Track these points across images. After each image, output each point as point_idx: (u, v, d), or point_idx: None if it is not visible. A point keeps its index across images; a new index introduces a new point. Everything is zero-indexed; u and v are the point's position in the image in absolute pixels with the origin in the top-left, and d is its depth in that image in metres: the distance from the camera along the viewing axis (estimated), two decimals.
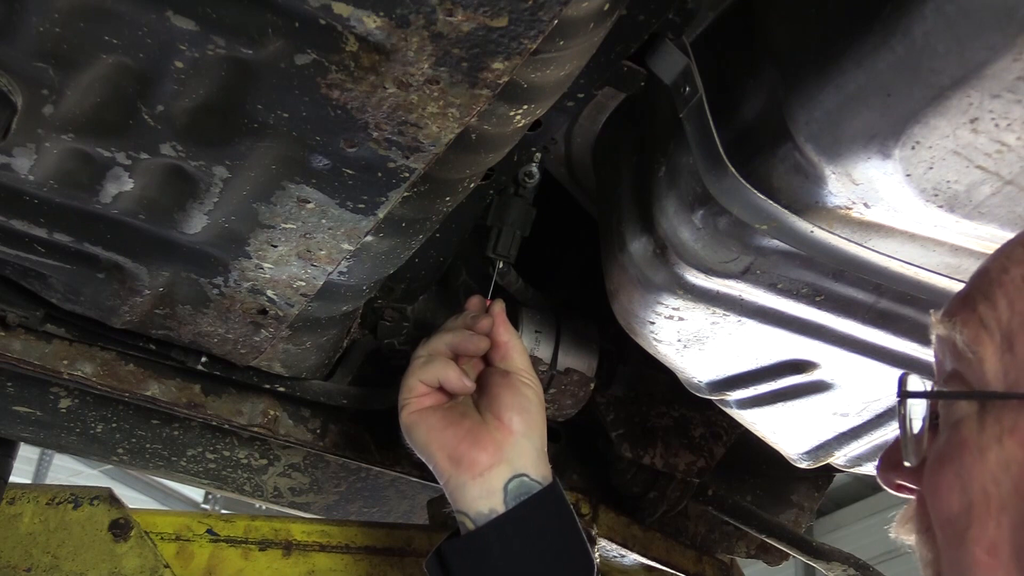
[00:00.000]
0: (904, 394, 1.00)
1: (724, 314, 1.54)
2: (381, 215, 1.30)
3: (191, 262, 1.42)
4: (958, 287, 1.34)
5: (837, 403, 1.72)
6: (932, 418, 0.98)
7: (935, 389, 1.00)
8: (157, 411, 1.86)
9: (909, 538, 1.01)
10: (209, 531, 1.73)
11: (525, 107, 1.23)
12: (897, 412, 1.00)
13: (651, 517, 2.18)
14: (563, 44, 1.14)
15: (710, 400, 1.82)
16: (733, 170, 1.27)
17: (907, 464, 0.99)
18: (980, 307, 0.93)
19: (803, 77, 1.25)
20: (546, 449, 1.58)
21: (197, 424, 1.94)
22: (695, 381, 1.76)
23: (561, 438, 2.23)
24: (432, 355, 1.60)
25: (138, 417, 1.89)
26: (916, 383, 1.01)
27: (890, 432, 1.76)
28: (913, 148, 1.16)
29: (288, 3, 1.00)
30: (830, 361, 1.60)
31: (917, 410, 0.99)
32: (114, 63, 1.08)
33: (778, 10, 1.35)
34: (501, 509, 1.49)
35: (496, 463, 1.51)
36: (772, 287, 1.46)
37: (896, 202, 1.24)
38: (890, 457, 1.04)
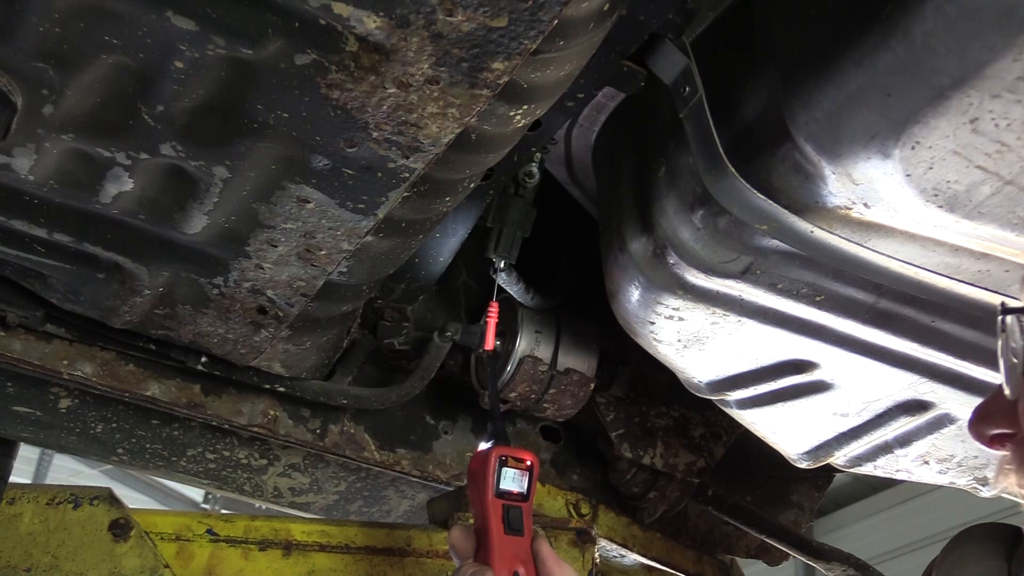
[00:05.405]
0: (1007, 310, 1.01)
1: (724, 314, 1.54)
2: (381, 215, 1.30)
3: (191, 262, 1.42)
4: (958, 287, 1.34)
5: (837, 403, 1.71)
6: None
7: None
8: (157, 411, 1.86)
9: (1014, 487, 1.01)
10: (209, 531, 1.72)
11: (525, 107, 1.23)
12: (999, 342, 1.01)
13: (651, 517, 2.18)
14: (563, 44, 1.14)
15: (710, 400, 1.82)
16: (733, 170, 1.27)
17: (1008, 395, 1.00)
18: None
19: (803, 77, 1.24)
20: None
21: (197, 424, 1.94)
22: (695, 381, 1.76)
23: (561, 438, 2.23)
24: None
25: (138, 417, 1.89)
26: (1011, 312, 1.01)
27: (890, 432, 1.76)
28: (913, 148, 1.16)
29: (288, 3, 1.00)
30: (830, 361, 1.60)
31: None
32: (114, 63, 1.08)
33: (778, 10, 1.35)
34: None
35: None
36: (772, 287, 1.46)
37: (896, 202, 1.24)
38: (985, 408, 1.06)
